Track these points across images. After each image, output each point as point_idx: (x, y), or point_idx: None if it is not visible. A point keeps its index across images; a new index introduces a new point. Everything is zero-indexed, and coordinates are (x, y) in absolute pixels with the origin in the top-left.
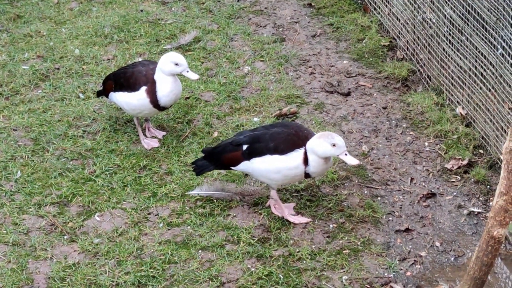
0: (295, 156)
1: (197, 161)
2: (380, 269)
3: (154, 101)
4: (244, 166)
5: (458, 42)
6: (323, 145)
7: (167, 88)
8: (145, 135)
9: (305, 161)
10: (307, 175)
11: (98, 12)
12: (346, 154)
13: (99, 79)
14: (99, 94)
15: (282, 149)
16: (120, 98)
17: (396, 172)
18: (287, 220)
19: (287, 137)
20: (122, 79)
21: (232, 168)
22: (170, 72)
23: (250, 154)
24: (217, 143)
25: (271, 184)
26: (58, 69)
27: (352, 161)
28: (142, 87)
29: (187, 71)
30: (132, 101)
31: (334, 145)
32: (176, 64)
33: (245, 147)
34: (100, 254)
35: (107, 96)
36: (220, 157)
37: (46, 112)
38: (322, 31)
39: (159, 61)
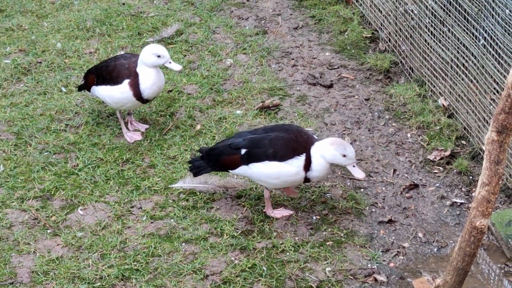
0: (295, 163)
1: (194, 160)
2: (363, 261)
3: (137, 94)
4: (242, 170)
5: (440, 34)
6: (333, 153)
7: (150, 81)
8: (127, 128)
9: (306, 167)
10: (306, 180)
11: (80, 6)
12: (354, 166)
13: (81, 72)
14: (80, 88)
15: (281, 155)
16: (103, 91)
17: (379, 164)
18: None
19: (287, 143)
20: (104, 73)
21: (230, 171)
22: (153, 64)
23: (249, 159)
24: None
25: (267, 187)
26: (40, 63)
27: (359, 174)
28: (125, 80)
29: (170, 63)
30: (115, 94)
31: (344, 156)
32: (158, 56)
33: (243, 151)
34: (83, 247)
35: (89, 90)
36: (218, 159)
37: (28, 106)
38: (304, 23)
39: (141, 54)
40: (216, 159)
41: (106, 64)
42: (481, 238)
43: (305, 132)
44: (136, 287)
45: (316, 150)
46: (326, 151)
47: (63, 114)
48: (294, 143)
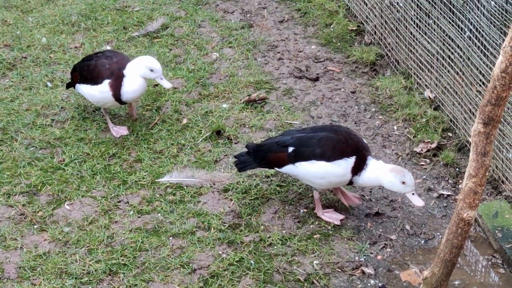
0: (343, 164)
1: (240, 156)
2: (351, 253)
3: (117, 95)
4: (289, 169)
5: (425, 26)
6: (392, 179)
7: (134, 86)
8: (113, 123)
9: (354, 170)
10: (350, 182)
11: (65, 0)
12: (413, 194)
13: (67, 67)
14: (68, 85)
15: (329, 156)
16: (84, 90)
17: None
18: (319, 217)
19: (335, 144)
20: (85, 72)
21: (276, 169)
22: (144, 76)
23: (296, 158)
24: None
25: (315, 187)
26: (25, 58)
27: (418, 202)
28: (105, 80)
29: (161, 79)
30: (95, 93)
31: (403, 183)
32: (151, 70)
33: (291, 149)
34: (70, 242)
35: (75, 87)
36: (265, 156)
37: (13, 101)
38: (290, 17)
39: (134, 61)
40: (263, 155)
41: (88, 63)
42: (468, 229)
43: (354, 134)
44: (124, 282)
45: (373, 167)
46: (385, 177)
47: (49, 109)
48: (343, 144)
